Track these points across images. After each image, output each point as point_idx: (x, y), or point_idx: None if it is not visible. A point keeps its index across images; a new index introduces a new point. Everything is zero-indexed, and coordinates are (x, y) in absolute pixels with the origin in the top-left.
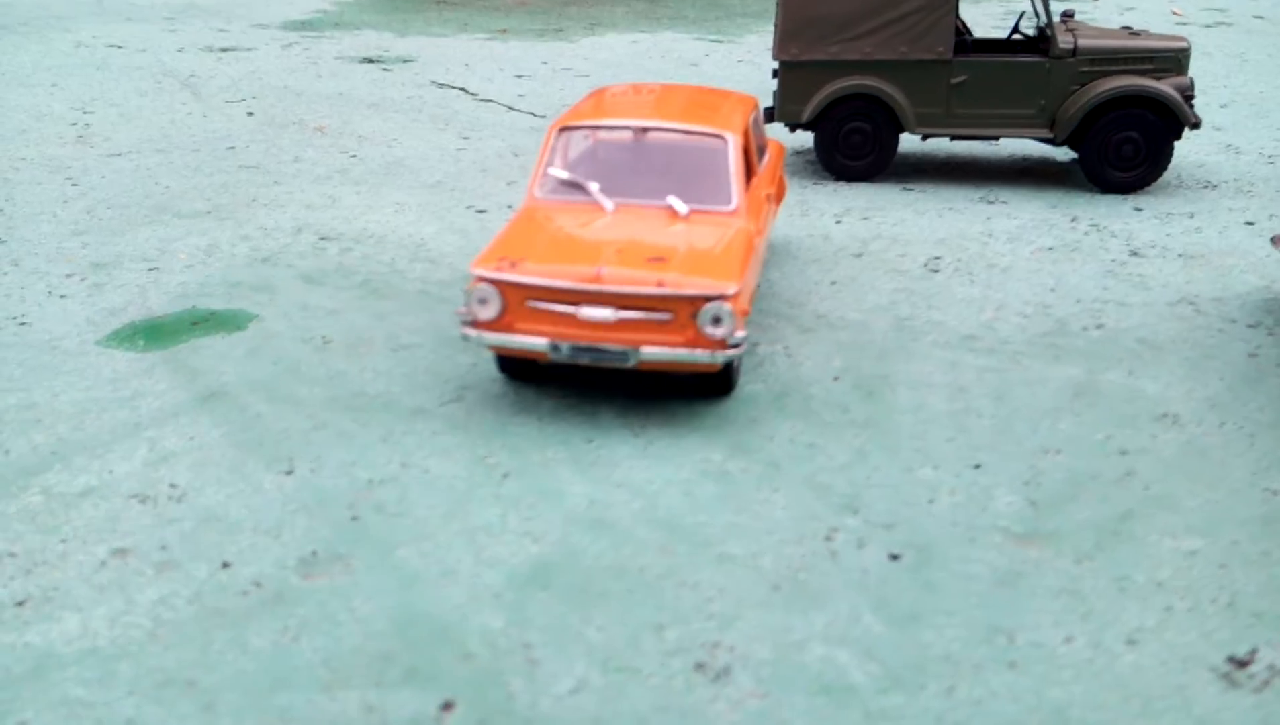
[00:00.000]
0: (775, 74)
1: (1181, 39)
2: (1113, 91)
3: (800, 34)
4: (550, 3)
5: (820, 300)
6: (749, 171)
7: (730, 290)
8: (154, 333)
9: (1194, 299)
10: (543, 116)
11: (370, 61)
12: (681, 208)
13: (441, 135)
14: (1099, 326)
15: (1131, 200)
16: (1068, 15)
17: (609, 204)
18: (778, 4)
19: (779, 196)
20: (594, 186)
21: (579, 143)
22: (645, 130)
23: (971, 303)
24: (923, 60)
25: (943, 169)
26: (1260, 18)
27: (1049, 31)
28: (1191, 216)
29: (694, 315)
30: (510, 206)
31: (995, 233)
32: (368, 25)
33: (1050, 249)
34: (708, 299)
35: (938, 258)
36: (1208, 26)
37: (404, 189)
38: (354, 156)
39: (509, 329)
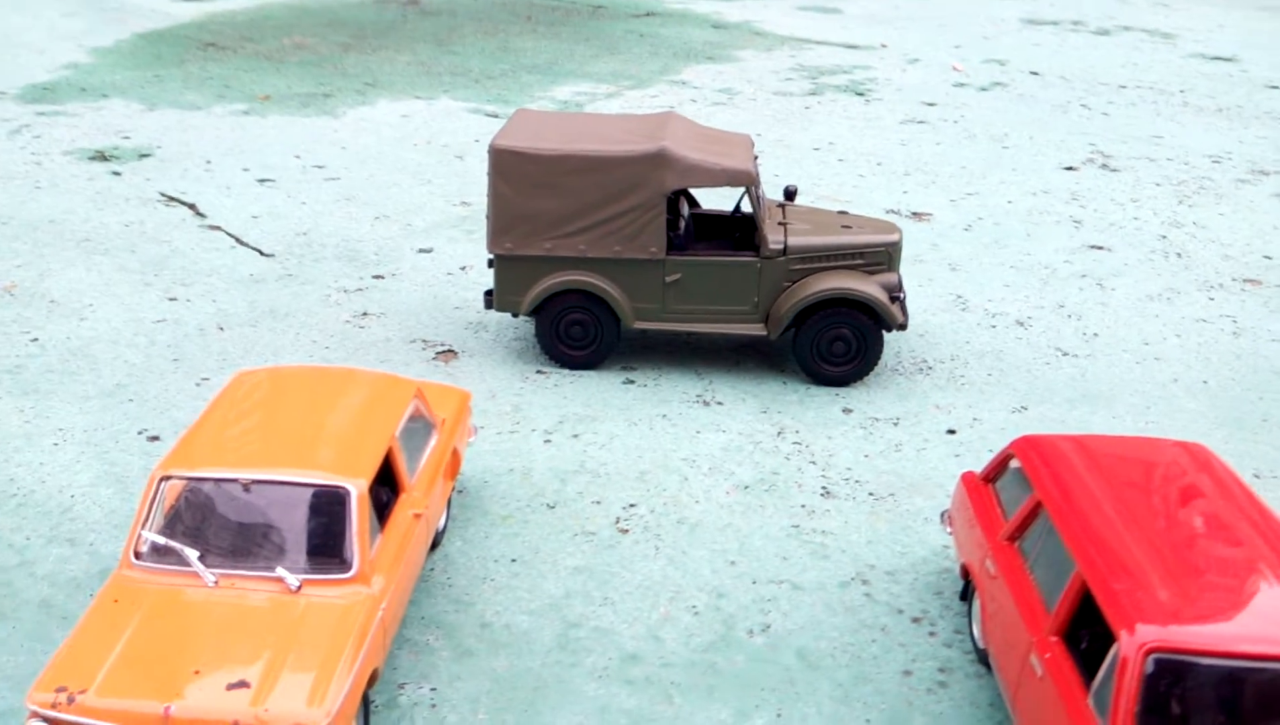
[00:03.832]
0: (490, 263)
1: (894, 230)
2: (820, 295)
3: (513, 229)
4: (329, 47)
5: (493, 593)
6: (398, 488)
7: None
8: None
9: (869, 575)
10: (270, 256)
11: (103, 159)
12: (293, 581)
13: (146, 295)
14: (765, 629)
15: (843, 397)
16: (789, 196)
17: (210, 578)
18: (488, 196)
19: (453, 470)
20: (193, 555)
21: (186, 491)
22: (252, 483)
23: (649, 591)
24: (637, 259)
25: (668, 348)
26: (1036, 74)
27: (759, 231)
28: (896, 423)
29: None
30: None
31: (699, 459)
32: (116, 90)
33: (746, 488)
34: None
35: (633, 506)
36: (983, 89)
37: (76, 401)
38: (35, 340)
39: None
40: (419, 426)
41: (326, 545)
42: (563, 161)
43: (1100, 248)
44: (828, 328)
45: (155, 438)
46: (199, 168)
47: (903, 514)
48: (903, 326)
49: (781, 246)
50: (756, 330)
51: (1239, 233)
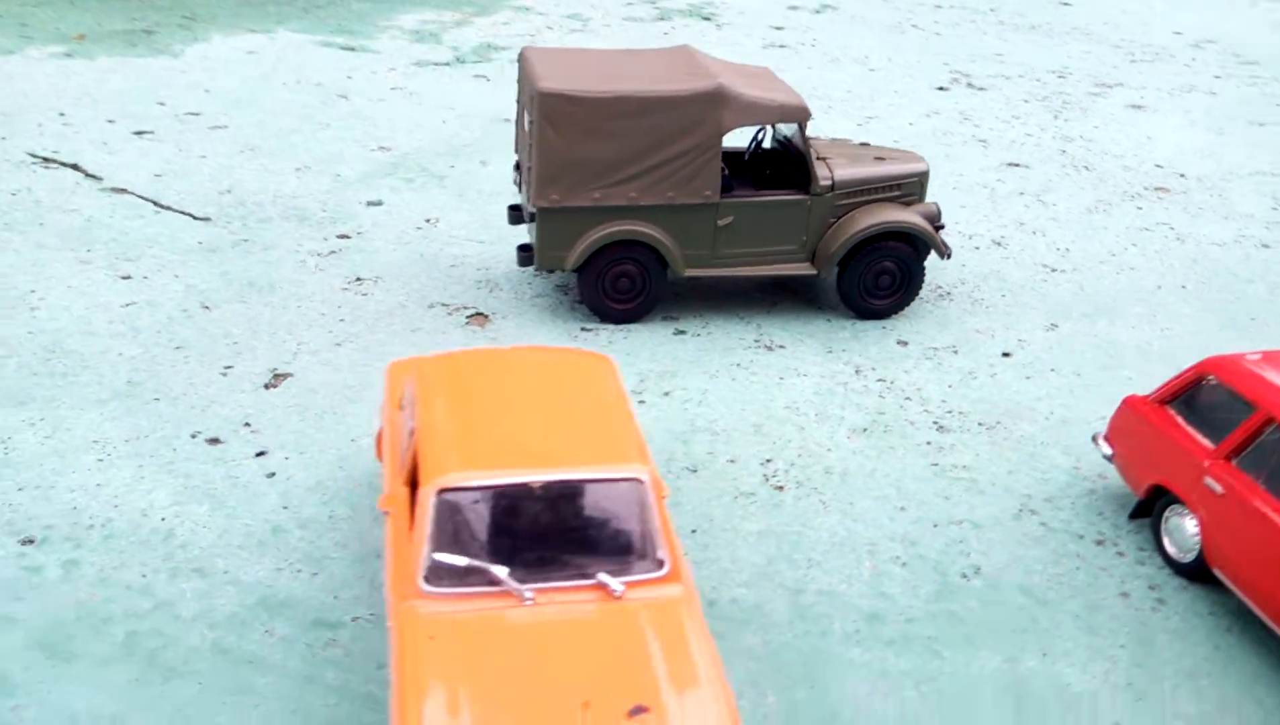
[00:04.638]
0: (531, 217)
1: (921, 159)
2: (875, 229)
3: (560, 178)
4: None
5: (698, 568)
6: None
7: None
8: None
9: (1031, 504)
10: (205, 219)
11: None
12: (617, 587)
13: (92, 275)
14: (976, 571)
15: (892, 330)
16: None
17: (527, 593)
18: (530, 144)
19: None
20: (503, 572)
21: (467, 503)
22: (544, 485)
23: (844, 548)
24: (689, 204)
25: (701, 293)
26: None
27: (809, 168)
28: (955, 352)
29: None
30: (248, 424)
31: (800, 406)
32: None
33: (864, 431)
34: None
35: (769, 461)
36: (817, 12)
37: (91, 406)
38: None
39: None
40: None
41: (633, 543)
42: (618, 104)
43: (1018, 165)
44: (874, 261)
45: (215, 440)
46: (54, 121)
47: (1019, 442)
48: (948, 256)
49: (830, 182)
50: (805, 269)
51: (1121, 144)
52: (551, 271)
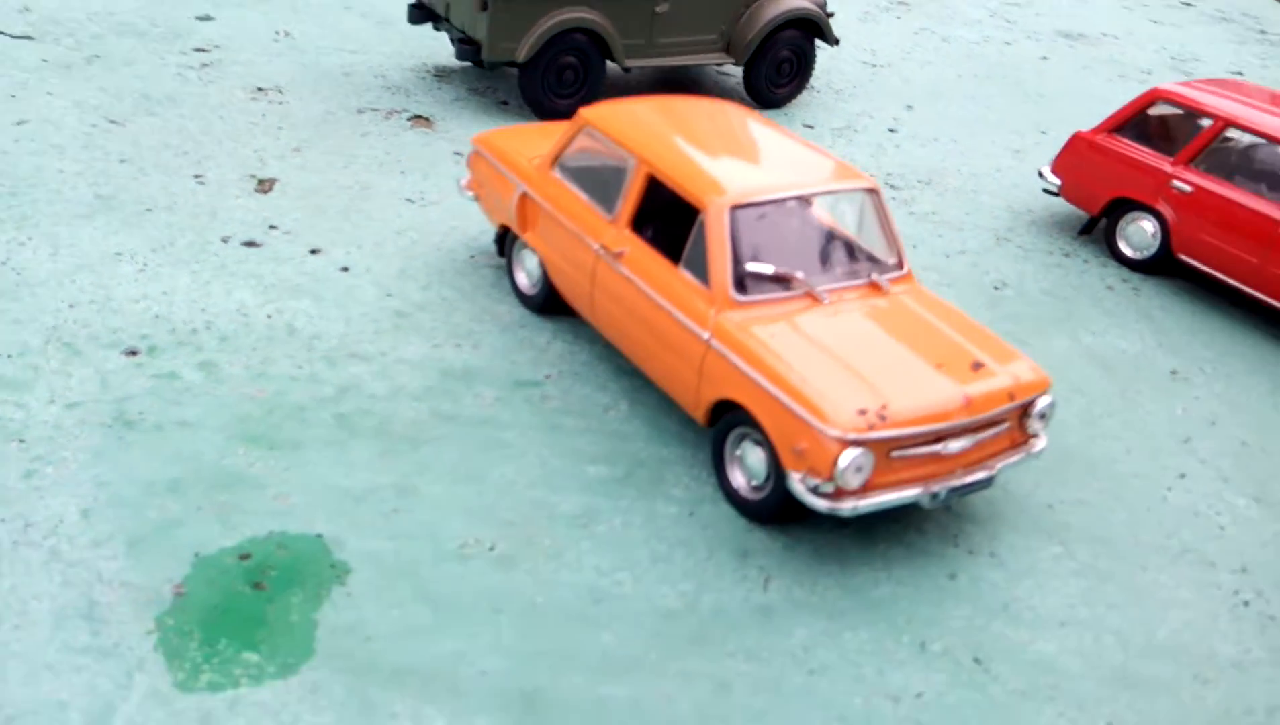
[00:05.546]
0: (484, 7)
1: None
2: (788, 15)
3: None
4: None
5: None
6: None
7: (1048, 378)
8: None
9: (1000, 233)
10: (26, 37)
11: None
12: (886, 284)
13: None
14: (1005, 284)
15: (796, 117)
16: None
17: (825, 294)
18: None
19: None
20: (802, 276)
21: (747, 220)
22: (810, 197)
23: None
24: None
25: (613, 89)
26: None
27: None
28: (855, 131)
29: (1024, 416)
30: (274, 226)
31: None
32: None
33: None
34: (1039, 397)
35: None
36: None
37: (75, 221)
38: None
39: (875, 489)
40: None
41: (879, 248)
42: None
43: None
44: (775, 51)
45: (252, 243)
46: None
47: (956, 192)
48: (836, 42)
49: None
50: (725, 58)
51: None
52: (495, 66)
